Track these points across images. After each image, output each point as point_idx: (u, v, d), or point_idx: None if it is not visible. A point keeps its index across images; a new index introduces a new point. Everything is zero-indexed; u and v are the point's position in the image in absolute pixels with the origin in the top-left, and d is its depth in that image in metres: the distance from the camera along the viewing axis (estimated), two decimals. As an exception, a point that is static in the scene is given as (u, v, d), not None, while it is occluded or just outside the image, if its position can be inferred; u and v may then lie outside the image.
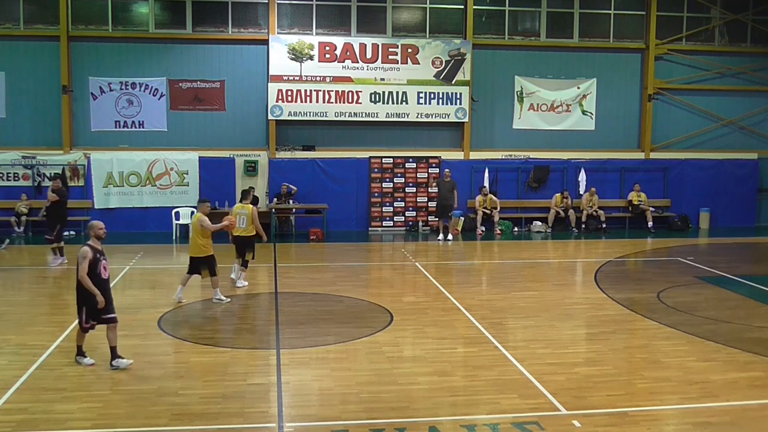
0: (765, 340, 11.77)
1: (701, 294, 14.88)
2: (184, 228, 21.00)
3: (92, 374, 9.66)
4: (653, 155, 24.11)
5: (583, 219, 22.69)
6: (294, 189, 21.33)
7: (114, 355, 9.77)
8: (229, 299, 13.70)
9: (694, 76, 24.21)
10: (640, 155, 24.11)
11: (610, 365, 10.35)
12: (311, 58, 22.11)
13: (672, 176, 23.97)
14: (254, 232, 14.67)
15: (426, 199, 22.65)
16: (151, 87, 21.86)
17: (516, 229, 22.53)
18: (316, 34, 22.32)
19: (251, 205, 14.86)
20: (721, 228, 23.47)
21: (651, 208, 23.08)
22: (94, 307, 9.69)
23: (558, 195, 22.81)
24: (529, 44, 23.46)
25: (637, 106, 24.20)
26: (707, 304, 14.06)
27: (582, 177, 23.10)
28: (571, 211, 22.68)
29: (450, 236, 21.19)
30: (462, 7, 22.86)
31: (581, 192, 23.01)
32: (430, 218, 22.64)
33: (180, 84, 22.00)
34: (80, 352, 9.99)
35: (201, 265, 13.43)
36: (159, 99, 21.96)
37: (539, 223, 22.74)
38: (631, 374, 10.01)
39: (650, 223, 22.82)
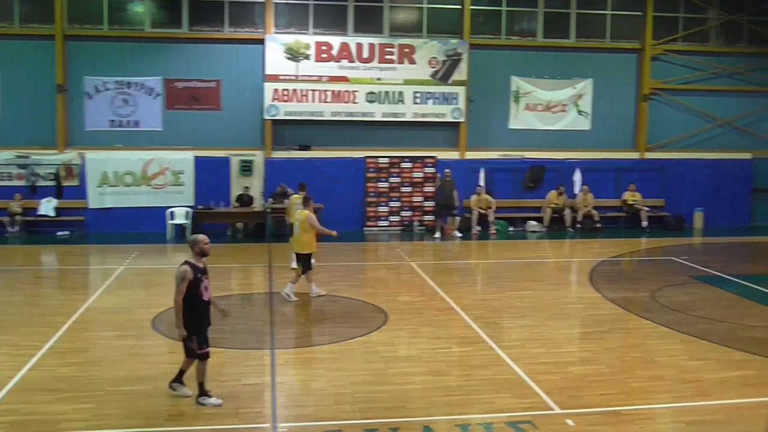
0: (758, 339, 11.82)
1: (695, 293, 14.92)
2: (179, 228, 21.00)
3: (86, 375, 9.66)
4: (648, 155, 24.15)
5: (579, 218, 22.72)
6: (290, 191, 21.21)
7: (202, 392, 8.73)
8: (325, 293, 14.07)
9: (689, 77, 24.25)
10: (636, 155, 24.15)
11: (604, 364, 10.37)
12: (307, 57, 22.11)
13: (667, 176, 24.00)
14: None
15: (422, 198, 22.67)
16: (147, 86, 21.84)
17: (511, 228, 22.55)
18: (313, 33, 22.33)
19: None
20: (716, 228, 23.51)
21: (646, 208, 23.11)
22: (203, 330, 8.75)
23: (553, 192, 22.83)
24: (525, 44, 23.48)
25: (632, 106, 24.24)
26: (701, 303, 14.10)
27: (577, 176, 23.13)
28: (566, 211, 22.71)
29: (457, 234, 21.48)
30: (459, 7, 22.87)
31: (576, 192, 23.05)
32: (425, 218, 22.65)
33: (176, 83, 21.99)
34: (204, 392, 8.71)
35: (301, 261, 13.80)
36: (155, 98, 21.95)
37: (534, 222, 22.77)
38: (625, 373, 10.04)
39: (645, 223, 22.86)
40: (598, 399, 9.01)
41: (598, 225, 22.63)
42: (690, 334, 11.93)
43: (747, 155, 24.54)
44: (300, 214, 14.05)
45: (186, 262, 8.66)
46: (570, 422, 8.28)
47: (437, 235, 21.31)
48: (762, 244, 21.77)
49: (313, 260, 14.25)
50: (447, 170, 21.78)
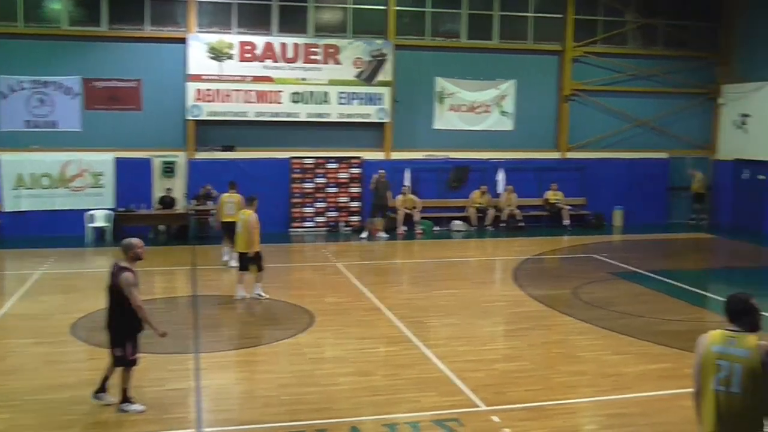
0: (675, 332, 12.19)
1: (615, 289, 15.30)
2: (99, 231, 20.50)
3: (1, 384, 9.35)
4: (569, 155, 24.65)
5: (503, 217, 23.05)
6: (214, 192, 20.89)
7: (124, 398, 8.55)
8: (268, 296, 13.93)
9: (608, 78, 24.83)
10: (557, 155, 24.62)
11: (528, 361, 10.55)
12: (231, 57, 21.84)
13: (587, 175, 24.54)
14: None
15: (348, 199, 22.67)
16: (65, 86, 21.23)
17: (436, 228, 22.73)
18: (237, 33, 22.07)
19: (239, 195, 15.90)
20: (634, 225, 24.14)
21: (567, 207, 23.60)
22: (136, 337, 8.59)
23: (477, 191, 23.12)
24: (449, 45, 23.69)
25: (554, 107, 24.70)
26: (621, 299, 14.47)
27: (500, 176, 23.46)
28: (490, 210, 23.01)
29: (383, 234, 21.49)
30: (384, 7, 22.93)
31: (499, 191, 23.37)
32: (352, 219, 22.66)
33: (95, 83, 21.45)
34: (127, 398, 8.55)
35: (250, 262, 13.80)
36: (73, 98, 21.35)
37: (459, 222, 23.00)
38: (548, 369, 10.23)
39: (566, 221, 23.33)
40: (523, 395, 9.15)
41: (521, 224, 23.01)
42: (610, 329, 12.23)
43: (663, 154, 25.28)
44: (244, 213, 13.99)
45: (124, 268, 8.39)
46: (495, 418, 8.39)
47: (364, 235, 21.36)
48: (677, 240, 22.46)
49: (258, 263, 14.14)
50: (381, 171, 21.86)
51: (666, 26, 25.16)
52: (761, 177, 23.73)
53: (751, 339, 5.32)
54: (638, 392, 9.35)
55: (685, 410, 8.73)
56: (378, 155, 23.12)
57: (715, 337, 5.46)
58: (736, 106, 24.83)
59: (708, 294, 15.80)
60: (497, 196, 23.43)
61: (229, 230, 15.88)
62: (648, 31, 25.17)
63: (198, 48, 21.59)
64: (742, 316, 5.45)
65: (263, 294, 14.01)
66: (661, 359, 10.72)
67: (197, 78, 21.64)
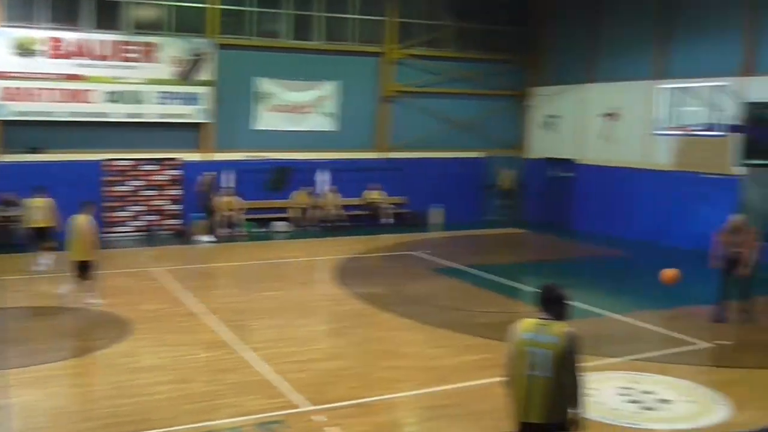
0: (491, 324, 12.67)
1: (434, 285, 15.77)
2: None
3: None
4: (391, 155, 25.13)
5: (325, 217, 23.18)
6: (19, 198, 19.55)
7: None
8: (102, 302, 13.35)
9: (427, 80, 25.53)
10: (378, 155, 25.04)
11: (351, 358, 10.67)
12: (40, 54, 20.64)
13: (408, 175, 25.11)
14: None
15: (167, 202, 22.01)
16: None
17: (259, 229, 22.52)
18: (46, 28, 20.85)
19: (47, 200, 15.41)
20: (453, 223, 24.93)
21: (388, 206, 24.07)
22: None
23: (299, 193, 23.11)
24: (272, 45, 23.51)
25: (375, 107, 25.10)
26: (440, 293, 14.94)
27: (323, 177, 23.58)
28: (313, 210, 23.07)
29: (204, 237, 21.10)
30: (204, 5, 22.42)
31: (322, 191, 23.49)
32: (170, 222, 22.01)
33: None
34: None
35: (83, 269, 13.24)
36: None
37: (281, 223, 22.91)
38: (370, 366, 10.39)
39: (388, 220, 23.80)
40: (346, 392, 9.23)
41: (344, 223, 23.23)
42: (430, 323, 12.58)
43: (479, 154, 26.31)
44: (75, 218, 13.37)
45: None
46: (320, 418, 8.42)
47: (206, 238, 20.91)
48: (493, 236, 23.45)
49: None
50: (207, 172, 21.42)
51: (480, 31, 26.20)
52: (568, 175, 25.20)
53: (559, 326, 5.66)
54: (457, 383, 9.67)
55: (500, 398, 9.10)
56: (199, 156, 22.61)
57: (526, 325, 5.78)
58: (543, 107, 26.28)
59: (519, 286, 16.60)
60: (320, 196, 23.53)
61: (39, 236, 15.06)
62: (464, 35, 26.11)
63: (3, 44, 20.22)
64: (552, 305, 5.79)
65: (96, 302, 13.33)
66: (478, 350, 11.14)
67: (2, 76, 20.29)
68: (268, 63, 23.44)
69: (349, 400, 8.99)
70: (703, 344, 11.65)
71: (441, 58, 25.67)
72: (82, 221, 13.32)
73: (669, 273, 12.97)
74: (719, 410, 8.86)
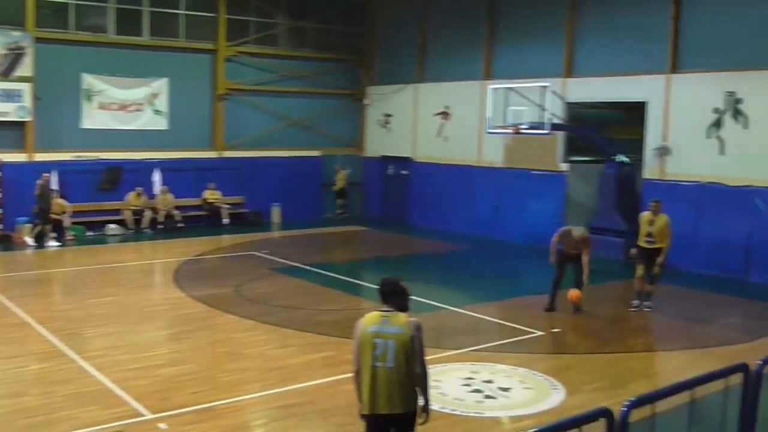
0: (334, 321, 12.77)
1: (276, 284, 15.65)
2: None
3: None
4: (226, 154, 24.71)
5: (160, 219, 22.47)
6: None
7: None
8: None
9: (261, 78, 25.29)
10: (214, 154, 24.55)
11: (193, 363, 10.38)
12: None
13: (245, 174, 24.80)
14: None
15: (-14, 205, 20.63)
16: None
17: (90, 233, 21.52)
18: None
19: None
20: (292, 221, 24.88)
21: (226, 205, 23.67)
22: None
23: (132, 193, 22.26)
24: (97, 40, 22.47)
25: (209, 105, 24.58)
26: (282, 293, 14.84)
27: (156, 177, 22.85)
28: (147, 211, 22.31)
29: (30, 241, 19.93)
30: (19, -4, 21.13)
31: (156, 192, 22.76)
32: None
33: None
34: None
35: None
36: None
37: (114, 225, 21.99)
38: (214, 369, 10.16)
39: (226, 220, 23.40)
40: (190, 398, 8.98)
41: (180, 225, 22.63)
42: (273, 323, 12.47)
43: (316, 152, 26.36)
44: None
45: None
46: (163, 425, 8.14)
47: (53, 243, 19.79)
48: (332, 234, 23.60)
49: None
50: (46, 174, 20.28)
51: (314, 29, 26.23)
52: (404, 172, 25.72)
53: (402, 317, 5.82)
54: (304, 382, 9.63)
55: (349, 394, 9.14)
56: (20, 157, 21.26)
57: (370, 318, 5.90)
58: (380, 106, 26.67)
59: (362, 282, 16.78)
60: (154, 197, 22.79)
61: None
62: (298, 34, 26.07)
63: None
64: (392, 296, 5.94)
65: None
66: (322, 348, 11.14)
67: None
68: (94, 59, 22.41)
69: (194, 405, 8.74)
70: (538, 333, 12.21)
71: (275, 56, 25.51)
72: None
73: (573, 295, 13.30)
74: (555, 395, 9.30)
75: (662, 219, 13.43)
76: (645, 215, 13.68)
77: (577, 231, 13.31)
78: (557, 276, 13.53)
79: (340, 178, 26.25)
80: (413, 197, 25.38)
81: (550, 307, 13.51)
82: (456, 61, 23.84)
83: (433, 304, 14.15)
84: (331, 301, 14.36)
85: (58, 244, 20.02)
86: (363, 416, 5.94)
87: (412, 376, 5.77)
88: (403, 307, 5.92)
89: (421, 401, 5.88)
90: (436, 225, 24.19)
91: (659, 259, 13.34)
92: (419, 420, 5.90)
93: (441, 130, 24.29)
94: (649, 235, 13.45)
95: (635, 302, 13.84)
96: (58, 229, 20.48)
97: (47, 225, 20.19)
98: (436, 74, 24.52)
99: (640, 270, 13.58)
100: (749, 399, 6.27)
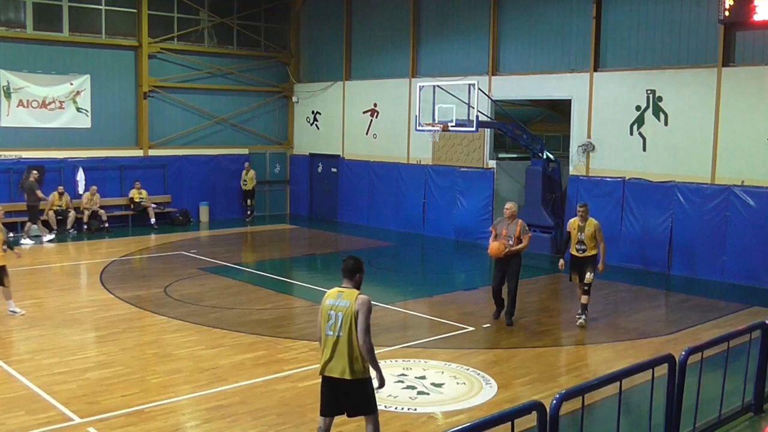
0: (265, 320, 12.71)
1: (205, 284, 15.46)
2: None
3: None
4: (152, 152, 24.27)
5: (85, 219, 21.94)
6: None
7: None
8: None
9: (187, 75, 24.92)
10: (140, 152, 24.09)
11: (122, 365, 10.19)
12: None
13: (171, 172, 24.43)
14: None
15: None
16: None
17: (11, 234, 20.85)
18: None
19: None
20: (220, 220, 24.65)
21: (152, 205, 23.26)
22: None
23: (54, 193, 21.65)
24: (14, 36, 21.79)
25: (133, 103, 24.09)
26: (211, 293, 14.67)
27: (80, 176, 22.30)
28: (71, 212, 21.75)
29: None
30: (-69, -10, 20.37)
31: (80, 192, 22.20)
32: None
33: None
34: None
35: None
36: None
37: (36, 226, 21.36)
38: (143, 371, 9.99)
39: (152, 220, 22.99)
40: (119, 401, 8.81)
41: (106, 225, 22.14)
42: (203, 324, 12.34)
43: (244, 150, 26.12)
44: None
45: None
46: (92, 430, 7.97)
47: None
48: (261, 232, 23.44)
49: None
50: (35, 171, 20.56)
51: (239, 26, 25.97)
52: (334, 170, 25.68)
53: (353, 292, 6.63)
54: (235, 382, 9.55)
55: (281, 393, 9.20)
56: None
57: (330, 293, 6.75)
58: (308, 104, 26.57)
59: (291, 281, 16.73)
60: (78, 197, 22.23)
61: None
62: (223, 30, 25.77)
63: None
64: (350, 274, 6.74)
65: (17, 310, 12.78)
66: (254, 348, 11.07)
67: None
68: (12, 55, 21.73)
69: (124, 408, 8.59)
70: (469, 328, 12.35)
71: (200, 52, 25.17)
72: None
73: (494, 248, 12.29)
74: (487, 390, 9.43)
75: (592, 224, 12.49)
76: (573, 222, 12.67)
77: (508, 203, 12.61)
78: (495, 270, 12.72)
79: (249, 178, 25.56)
80: (342, 195, 25.38)
81: (498, 314, 12.84)
82: (383, 59, 23.92)
83: (364, 301, 14.19)
84: (261, 300, 14.26)
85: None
86: (321, 377, 6.75)
87: (356, 344, 6.52)
88: (358, 284, 6.74)
89: (374, 370, 6.66)
90: (365, 222, 24.26)
91: (599, 266, 12.56)
92: (375, 386, 6.73)
93: (369, 127, 24.35)
94: (580, 242, 12.47)
95: (579, 314, 12.77)
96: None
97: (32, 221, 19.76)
98: (364, 71, 24.56)
99: (575, 279, 12.71)
100: (675, 388, 6.47)
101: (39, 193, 20.54)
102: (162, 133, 24.47)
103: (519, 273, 12.56)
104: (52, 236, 20.70)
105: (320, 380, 6.80)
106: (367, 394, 6.69)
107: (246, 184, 25.51)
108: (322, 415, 6.85)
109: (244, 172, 25.47)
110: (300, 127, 27.13)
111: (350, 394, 6.65)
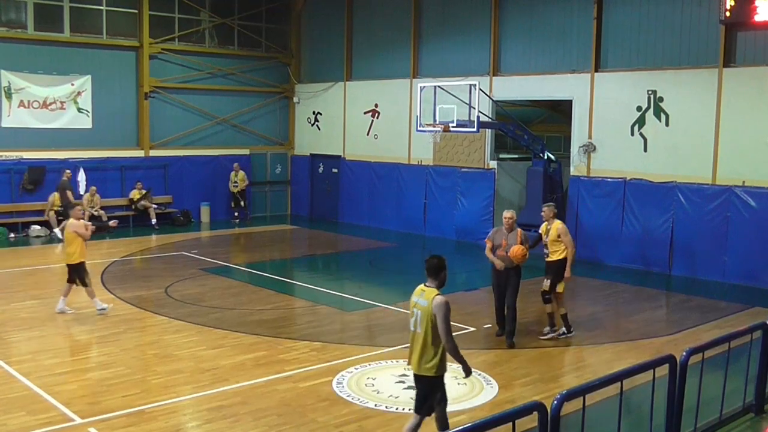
0: (265, 321, 12.72)
1: (206, 285, 15.46)
2: None
3: None
4: (153, 153, 24.27)
5: (86, 219, 21.90)
6: None
7: None
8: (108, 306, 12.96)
9: (188, 76, 24.92)
10: (140, 153, 24.10)
11: (123, 366, 10.20)
12: None
13: (172, 173, 24.43)
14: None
15: None
16: None
17: (12, 235, 20.91)
18: None
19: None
20: (221, 220, 24.65)
21: (154, 205, 23.26)
22: None
23: (55, 194, 21.64)
24: (15, 36, 21.80)
25: (134, 103, 24.09)
26: (212, 293, 14.67)
27: (81, 177, 22.29)
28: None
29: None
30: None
31: (81, 192, 22.20)
32: None
33: None
34: None
35: (71, 274, 12.88)
36: None
37: (38, 227, 21.40)
38: (144, 371, 9.99)
39: (154, 220, 22.99)
40: (120, 401, 8.82)
41: (106, 224, 22.07)
42: (204, 324, 12.34)
43: (245, 151, 26.12)
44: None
45: None
46: (93, 430, 7.98)
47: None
48: (262, 233, 23.42)
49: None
50: (67, 171, 20.86)
51: (240, 26, 25.97)
52: (335, 170, 25.68)
53: (432, 292, 6.91)
54: (236, 383, 9.55)
55: (282, 393, 9.20)
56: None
57: (416, 290, 7.10)
58: (309, 104, 26.58)
59: (292, 281, 16.73)
60: (79, 197, 22.22)
61: None
62: (224, 31, 25.77)
63: None
64: (433, 273, 7.01)
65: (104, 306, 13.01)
66: (255, 348, 11.07)
67: None
68: (13, 55, 21.73)
69: (125, 409, 8.59)
70: (470, 329, 12.35)
71: (201, 53, 25.17)
72: (69, 224, 13.07)
73: (518, 253, 11.30)
74: (488, 390, 9.43)
75: (555, 227, 11.72)
76: (543, 225, 11.98)
77: (507, 212, 11.61)
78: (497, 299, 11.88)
79: (240, 179, 25.14)
80: (343, 195, 25.37)
81: (502, 332, 11.89)
82: (384, 59, 23.92)
83: (364, 301, 14.24)
84: (262, 301, 14.26)
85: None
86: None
87: (433, 345, 6.84)
88: (442, 283, 7.04)
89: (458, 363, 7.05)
90: (366, 223, 24.26)
91: (566, 273, 11.66)
92: (463, 376, 7.25)
93: (370, 127, 24.35)
94: (545, 246, 11.80)
95: (546, 329, 12.10)
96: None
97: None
98: (365, 72, 24.56)
99: (545, 286, 11.85)
100: (676, 389, 6.47)
101: (68, 194, 20.62)
102: (163, 134, 24.47)
103: (518, 288, 11.64)
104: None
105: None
106: (425, 393, 7.02)
107: (236, 186, 25.12)
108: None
109: (233, 173, 25.10)
110: (301, 128, 27.13)
111: (419, 389, 7.04)
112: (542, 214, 11.94)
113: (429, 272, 7.02)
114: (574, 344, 11.87)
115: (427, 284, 7.01)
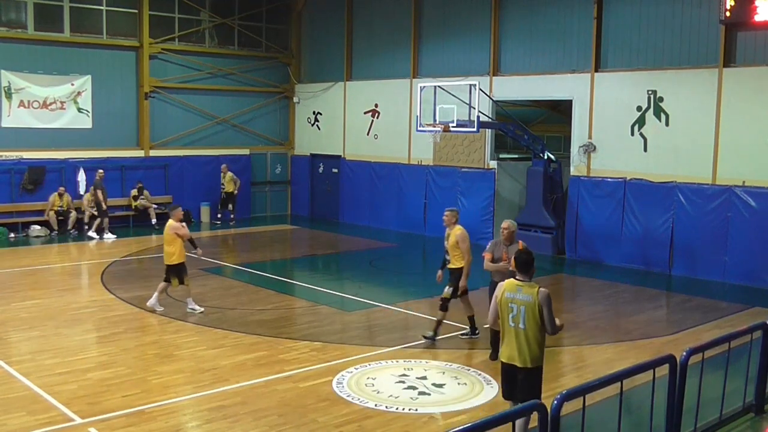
0: (266, 321, 12.71)
1: (207, 284, 15.45)
2: None
3: None
4: (153, 153, 24.27)
5: (86, 220, 21.94)
6: None
7: None
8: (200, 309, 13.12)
9: (188, 76, 24.92)
10: (141, 153, 24.10)
11: (123, 365, 10.20)
12: None
13: (172, 173, 24.43)
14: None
15: None
16: None
17: (12, 235, 20.91)
18: None
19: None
20: (222, 220, 24.59)
21: (154, 205, 23.26)
22: None
23: (55, 194, 21.65)
24: (15, 36, 21.80)
25: (134, 103, 24.09)
26: (213, 293, 14.67)
27: (81, 177, 22.29)
28: (72, 213, 21.75)
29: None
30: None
31: (81, 192, 22.19)
32: None
33: None
34: None
35: (169, 273, 13.24)
36: None
37: (38, 227, 21.40)
38: (144, 371, 9.99)
39: (154, 220, 22.98)
40: (120, 401, 8.81)
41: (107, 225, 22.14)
42: (204, 324, 12.34)
43: (245, 151, 26.12)
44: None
45: None
46: (93, 430, 7.98)
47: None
48: (263, 233, 23.43)
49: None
50: (100, 171, 21.20)
51: (240, 26, 25.97)
52: (335, 170, 25.68)
53: (533, 287, 6.96)
54: (236, 383, 9.54)
55: (282, 393, 9.20)
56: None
57: (507, 286, 7.09)
58: (309, 104, 26.57)
59: (293, 281, 16.72)
60: (79, 197, 22.23)
61: None
62: (224, 31, 25.77)
63: None
64: (524, 267, 7.05)
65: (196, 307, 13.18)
66: (255, 348, 11.07)
67: None
68: (13, 55, 21.72)
69: (125, 409, 8.59)
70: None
71: (201, 53, 25.17)
72: (168, 225, 13.37)
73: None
74: (488, 390, 9.42)
75: (454, 232, 11.17)
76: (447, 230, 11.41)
77: (506, 222, 10.62)
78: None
79: (227, 181, 24.44)
80: (343, 195, 25.37)
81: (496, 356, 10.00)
82: (384, 59, 23.92)
83: (364, 301, 14.24)
84: (262, 301, 14.25)
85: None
86: (501, 363, 7.24)
87: (539, 338, 6.96)
88: (530, 277, 7.06)
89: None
90: (366, 223, 24.26)
91: (461, 283, 11.14)
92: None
93: (370, 127, 24.35)
94: (447, 252, 11.29)
95: (429, 333, 11.47)
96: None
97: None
98: (365, 72, 24.56)
99: (446, 293, 11.37)
100: (676, 389, 6.47)
101: (99, 194, 20.73)
102: (163, 134, 24.47)
103: None
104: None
105: (499, 366, 7.34)
106: (536, 382, 7.09)
107: (224, 187, 24.57)
108: (504, 398, 7.39)
109: (221, 174, 24.60)
110: (301, 128, 27.13)
111: (525, 380, 7.05)
112: (443, 218, 11.40)
113: (521, 267, 7.08)
114: (574, 344, 11.87)
115: (518, 278, 7.06)
